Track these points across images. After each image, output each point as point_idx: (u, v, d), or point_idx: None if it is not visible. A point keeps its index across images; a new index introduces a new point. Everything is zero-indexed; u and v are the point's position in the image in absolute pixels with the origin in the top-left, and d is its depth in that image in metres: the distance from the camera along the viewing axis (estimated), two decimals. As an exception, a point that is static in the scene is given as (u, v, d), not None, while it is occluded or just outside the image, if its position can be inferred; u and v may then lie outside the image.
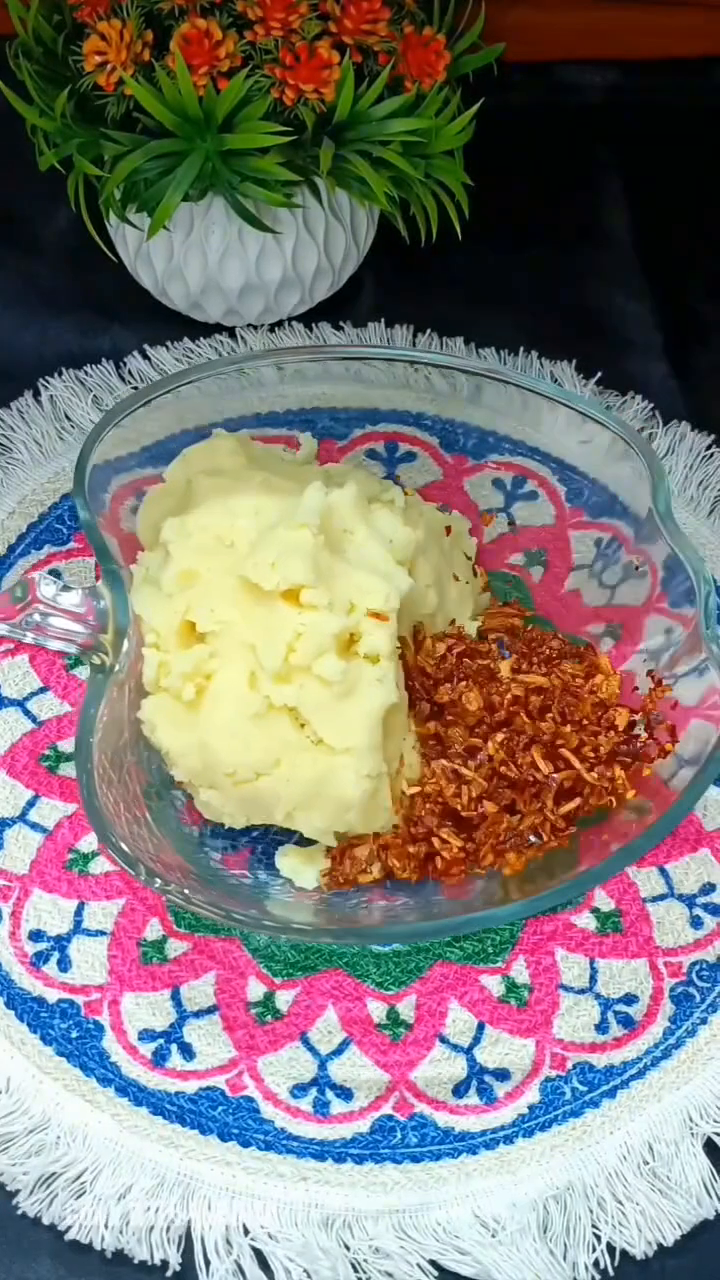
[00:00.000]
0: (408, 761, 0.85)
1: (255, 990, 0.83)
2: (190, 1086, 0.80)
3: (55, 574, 0.96)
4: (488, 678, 0.87)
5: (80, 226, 1.01)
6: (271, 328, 1.08)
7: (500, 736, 0.85)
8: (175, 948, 0.84)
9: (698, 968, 0.84)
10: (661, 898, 0.86)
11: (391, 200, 0.96)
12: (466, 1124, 0.79)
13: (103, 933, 0.84)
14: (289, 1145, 0.78)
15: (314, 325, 1.08)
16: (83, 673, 0.92)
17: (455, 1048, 0.82)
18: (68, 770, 0.89)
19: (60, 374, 1.05)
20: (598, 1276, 0.76)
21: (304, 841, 0.86)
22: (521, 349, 1.08)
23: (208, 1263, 0.75)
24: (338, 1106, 0.80)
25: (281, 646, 0.80)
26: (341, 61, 0.91)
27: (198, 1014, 0.82)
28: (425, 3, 0.99)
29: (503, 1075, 0.81)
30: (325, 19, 0.92)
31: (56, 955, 0.83)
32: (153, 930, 0.84)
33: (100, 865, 0.86)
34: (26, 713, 0.91)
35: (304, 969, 0.83)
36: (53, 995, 0.82)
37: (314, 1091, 0.80)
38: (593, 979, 0.84)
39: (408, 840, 0.84)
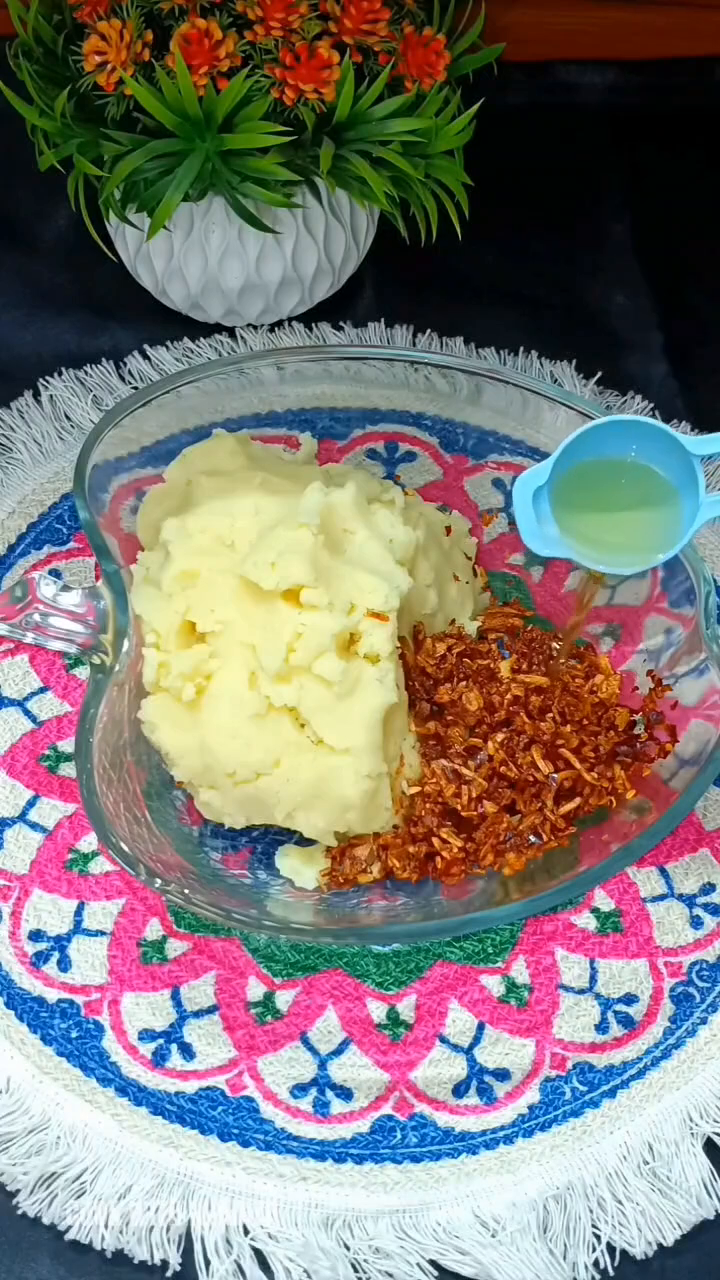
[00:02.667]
0: (408, 761, 0.85)
1: (255, 990, 0.83)
2: (190, 1086, 0.80)
3: (55, 574, 0.96)
4: (488, 678, 0.87)
5: (80, 226, 1.01)
6: (271, 328, 1.08)
7: (500, 736, 0.85)
8: (175, 948, 0.84)
9: (698, 968, 0.84)
10: (661, 898, 0.86)
11: (391, 200, 0.96)
12: (466, 1124, 0.79)
13: (103, 933, 0.84)
14: (289, 1145, 0.78)
15: (314, 325, 1.08)
16: (83, 673, 0.92)
17: (455, 1048, 0.82)
18: (68, 770, 0.89)
19: (60, 374, 1.05)
20: (598, 1276, 0.76)
21: (304, 841, 0.86)
22: (521, 349, 1.08)
23: (208, 1263, 0.75)
24: (338, 1106, 0.80)
25: (281, 646, 0.80)
26: (341, 61, 0.91)
27: (198, 1014, 0.82)
28: (425, 3, 0.99)
29: (503, 1075, 0.81)
30: (325, 19, 0.92)
31: (56, 955, 0.83)
32: (153, 930, 0.84)
33: (100, 865, 0.86)
34: (26, 713, 0.91)
35: (304, 969, 0.83)
36: (53, 995, 0.82)
37: (314, 1091, 0.80)
38: (593, 979, 0.84)
39: (408, 840, 0.84)
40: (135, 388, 1.05)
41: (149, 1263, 0.75)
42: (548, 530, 0.78)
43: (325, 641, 0.80)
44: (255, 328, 1.07)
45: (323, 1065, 0.81)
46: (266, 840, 0.87)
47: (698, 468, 0.76)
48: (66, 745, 0.90)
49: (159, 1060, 0.80)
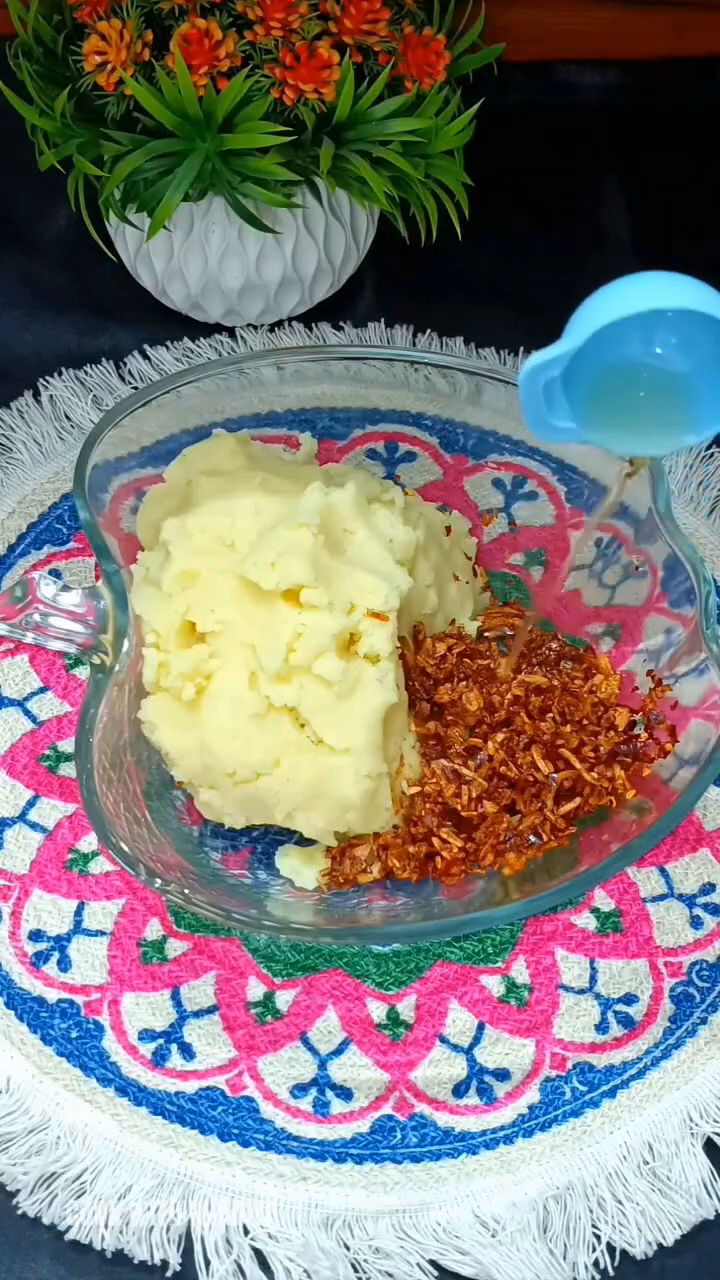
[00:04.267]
0: (408, 761, 0.85)
1: (255, 990, 0.83)
2: (190, 1086, 0.80)
3: (55, 574, 0.96)
4: (488, 678, 0.87)
5: (80, 226, 1.01)
6: (271, 328, 1.08)
7: (500, 736, 0.85)
8: (175, 948, 0.84)
9: (698, 968, 0.84)
10: (661, 898, 0.86)
11: (391, 200, 0.96)
12: (466, 1124, 0.79)
13: (103, 933, 0.84)
14: (289, 1145, 0.78)
15: (314, 325, 1.08)
16: (83, 673, 0.92)
17: (455, 1048, 0.82)
18: (68, 770, 0.89)
19: (60, 374, 1.05)
20: (598, 1276, 0.76)
21: (304, 841, 0.86)
22: (521, 349, 1.08)
23: (208, 1263, 0.75)
24: (338, 1106, 0.80)
25: (281, 646, 0.80)
26: (341, 61, 0.91)
27: (198, 1014, 0.82)
28: (425, 3, 0.99)
29: (503, 1075, 0.81)
30: (325, 19, 0.92)
31: (56, 955, 0.83)
32: (153, 930, 0.84)
33: (100, 865, 0.86)
34: (26, 713, 0.91)
35: (304, 969, 0.83)
36: (53, 995, 0.82)
37: (314, 1091, 0.80)
38: (593, 979, 0.84)
39: (408, 840, 0.84)
40: (135, 388, 1.05)
41: (149, 1263, 0.75)
42: (557, 420, 0.73)
43: (325, 641, 0.80)
44: (255, 328, 1.07)
45: (323, 1065, 0.81)
46: (266, 840, 0.87)
47: None
48: (66, 745, 0.90)
49: (159, 1060, 0.80)
